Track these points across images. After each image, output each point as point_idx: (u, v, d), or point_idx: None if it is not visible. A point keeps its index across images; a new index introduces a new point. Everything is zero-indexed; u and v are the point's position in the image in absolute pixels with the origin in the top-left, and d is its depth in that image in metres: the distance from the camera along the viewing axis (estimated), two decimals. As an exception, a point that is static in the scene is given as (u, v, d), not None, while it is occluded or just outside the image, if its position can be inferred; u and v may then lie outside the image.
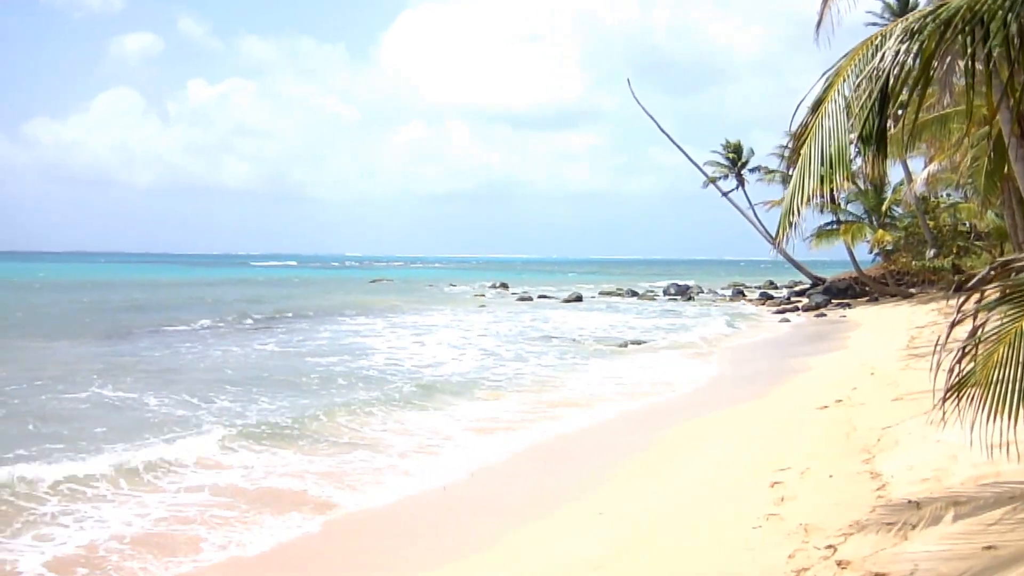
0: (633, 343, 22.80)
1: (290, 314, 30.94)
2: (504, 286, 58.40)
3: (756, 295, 46.81)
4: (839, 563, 4.94)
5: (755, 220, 43.40)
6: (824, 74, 5.57)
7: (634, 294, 49.02)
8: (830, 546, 5.26)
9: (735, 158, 44.05)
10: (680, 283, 50.35)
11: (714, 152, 44.74)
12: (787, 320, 31.24)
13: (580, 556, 6.34)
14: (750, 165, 43.99)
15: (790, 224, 5.44)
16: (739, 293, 48.68)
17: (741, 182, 44.09)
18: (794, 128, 5.72)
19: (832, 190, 5.29)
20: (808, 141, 5.45)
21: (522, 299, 45.76)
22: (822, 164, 5.16)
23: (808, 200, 5.21)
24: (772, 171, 42.01)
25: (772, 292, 47.60)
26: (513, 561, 6.54)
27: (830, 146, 5.23)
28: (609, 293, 50.35)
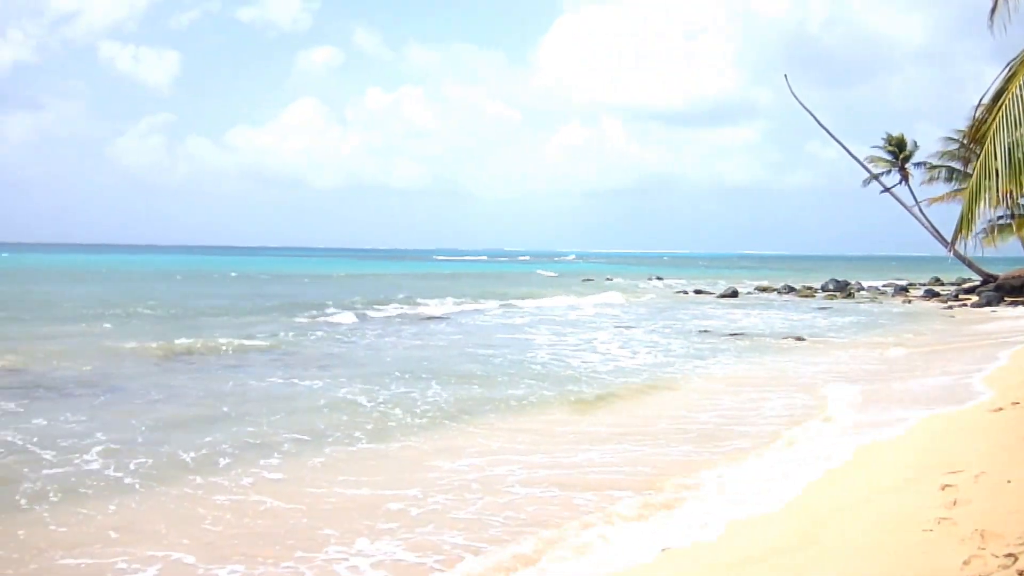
0: (800, 339, 21.88)
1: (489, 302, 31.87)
2: (660, 280, 57.59)
3: (920, 292, 43.73)
4: (1021, 573, 4.55)
5: (920, 216, 40.47)
6: (1009, 64, 5.10)
7: (791, 290, 46.92)
8: (1010, 555, 4.83)
9: (897, 152, 41.21)
10: (839, 279, 47.70)
11: (875, 147, 42.11)
12: (953, 317, 29.00)
13: (744, 550, 6.18)
14: (914, 159, 41.08)
15: (968, 229, 5.03)
16: (902, 290, 45.60)
17: (904, 177, 41.23)
18: (972, 121, 5.27)
19: (1012, 192, 4.83)
20: (988, 137, 5.00)
21: (678, 294, 44.97)
22: (1008, 164, 4.71)
23: (995, 203, 4.78)
24: (935, 166, 39.07)
25: (937, 289, 44.27)
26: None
27: (1014, 142, 4.77)
28: (765, 289, 48.47)
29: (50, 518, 6.98)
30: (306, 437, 10.07)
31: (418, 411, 11.79)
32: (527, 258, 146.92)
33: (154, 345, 17.55)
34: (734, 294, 42.47)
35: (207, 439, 9.81)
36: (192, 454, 9.11)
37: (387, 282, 51.45)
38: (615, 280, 58.35)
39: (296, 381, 14.25)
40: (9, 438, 9.66)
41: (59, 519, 6.95)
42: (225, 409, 11.69)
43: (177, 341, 18.39)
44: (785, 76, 41.69)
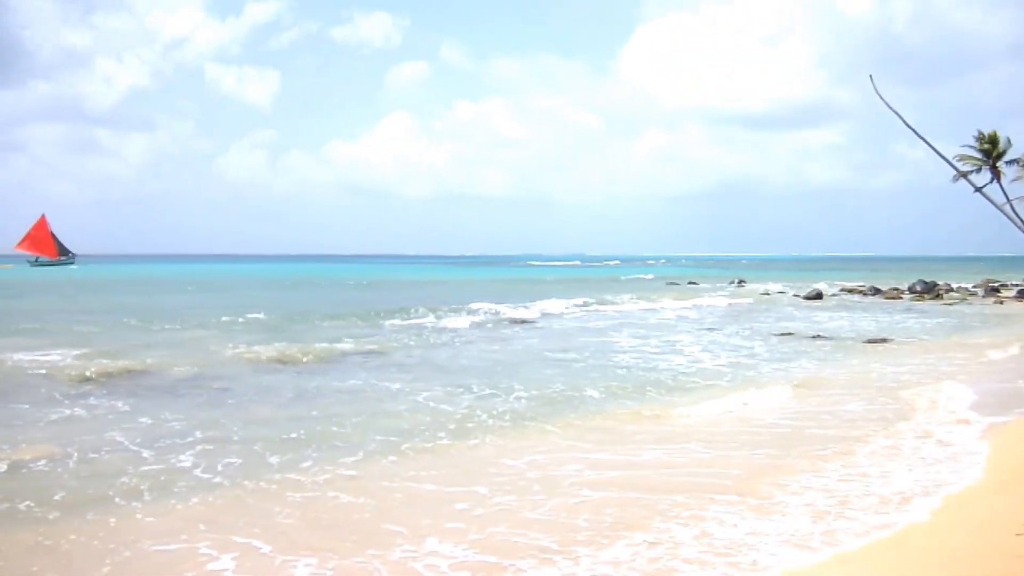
0: (885, 340, 21.14)
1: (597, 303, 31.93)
2: (743, 283, 56.38)
3: (1012, 292, 41.45)
4: None
5: (1012, 215, 38.32)
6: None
7: (876, 291, 45.11)
8: None
9: (990, 149, 39.09)
10: (926, 280, 45.60)
11: (964, 146, 39.99)
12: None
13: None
14: (1007, 156, 38.93)
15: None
16: (993, 290, 43.29)
17: (996, 175, 39.10)
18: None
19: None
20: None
21: (761, 296, 43.92)
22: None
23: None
24: (1032, 163, 36.90)
25: (1033, 289, 41.86)
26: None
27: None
28: (850, 290, 46.77)
29: (141, 510, 7.32)
30: (392, 438, 10.17)
31: (498, 412, 11.78)
32: (617, 263, 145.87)
33: (256, 349, 18.11)
34: (818, 296, 41.18)
35: (293, 437, 10.10)
36: (278, 454, 9.32)
37: (477, 287, 51.85)
38: (698, 284, 57.41)
39: (386, 384, 14.45)
40: (117, 437, 10.15)
41: (149, 511, 7.33)
42: (315, 413, 11.91)
43: (275, 345, 18.96)
44: (870, 76, 39.94)
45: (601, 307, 33.33)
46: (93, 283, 57.71)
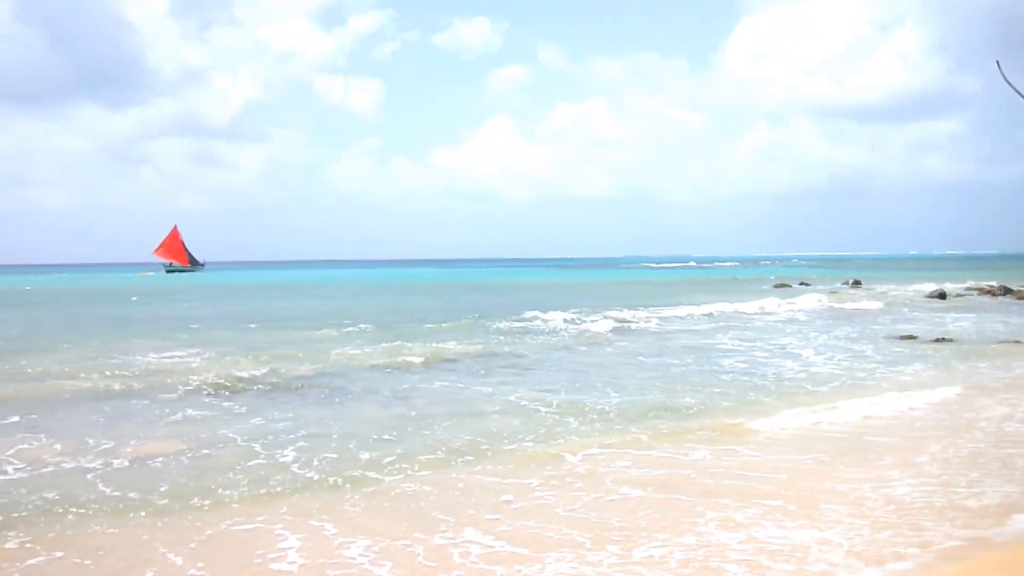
0: (1013, 343, 19.54)
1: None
2: (857, 283, 53.68)
3: None
4: None
5: None
6: None
7: (1007, 291, 41.96)
8: None
9: None
10: (1065, 278, 42.04)
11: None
12: None
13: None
14: None
15: None
16: None
17: None
18: None
19: None
20: None
21: (878, 296, 41.65)
22: None
23: None
24: None
25: None
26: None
27: None
28: (977, 290, 43.74)
29: (236, 499, 7.87)
30: (477, 438, 10.26)
31: (589, 417, 11.59)
32: (735, 264, 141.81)
33: (366, 351, 18.60)
34: (941, 296, 38.69)
35: (385, 437, 10.38)
36: (368, 451, 9.68)
37: (582, 290, 51.67)
38: (810, 284, 55.04)
39: (483, 386, 14.53)
40: (229, 434, 10.65)
41: (243, 499, 7.86)
42: (412, 413, 12.10)
43: (384, 347, 19.42)
44: (997, 62, 37.47)
45: (707, 310, 32.39)
46: (218, 288, 61.02)
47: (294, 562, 6.20)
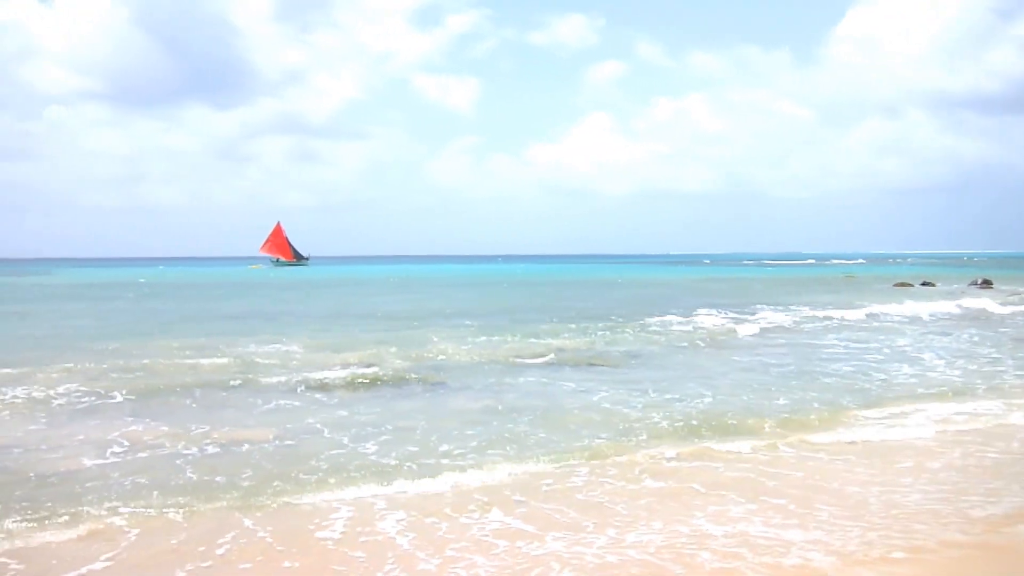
0: None
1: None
2: (987, 283, 50.32)
3: None
4: None
5: None
6: None
7: None
8: None
9: None
10: None
11: None
12: None
13: None
14: None
15: None
16: None
17: None
18: None
19: None
20: None
21: (1011, 297, 38.86)
22: None
23: None
24: None
25: None
26: None
27: None
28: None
29: (312, 484, 8.25)
30: (553, 435, 10.38)
31: (674, 418, 11.37)
32: (854, 261, 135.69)
33: (464, 347, 18.70)
34: (1083, 298, 35.79)
35: (468, 432, 10.55)
36: (447, 443, 9.92)
37: (686, 288, 50.53)
38: (934, 284, 51.84)
39: (573, 383, 14.50)
40: (317, 425, 11.06)
41: (319, 483, 8.25)
42: (499, 408, 12.19)
43: (482, 341, 19.69)
44: None
45: (820, 310, 30.95)
46: (322, 282, 63.27)
47: (336, 530, 6.90)
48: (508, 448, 9.70)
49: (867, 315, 29.03)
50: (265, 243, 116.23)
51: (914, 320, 27.30)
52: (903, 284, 52.45)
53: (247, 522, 7.09)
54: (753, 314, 28.76)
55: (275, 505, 7.57)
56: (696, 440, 10.04)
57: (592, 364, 16.94)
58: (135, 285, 57.98)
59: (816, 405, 12.30)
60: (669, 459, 9.16)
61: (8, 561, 6.25)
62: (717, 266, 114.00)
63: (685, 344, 20.50)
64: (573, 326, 23.98)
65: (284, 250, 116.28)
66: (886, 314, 29.62)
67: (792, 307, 31.92)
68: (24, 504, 7.48)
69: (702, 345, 20.39)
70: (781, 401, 12.70)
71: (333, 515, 7.27)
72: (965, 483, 8.13)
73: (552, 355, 18.01)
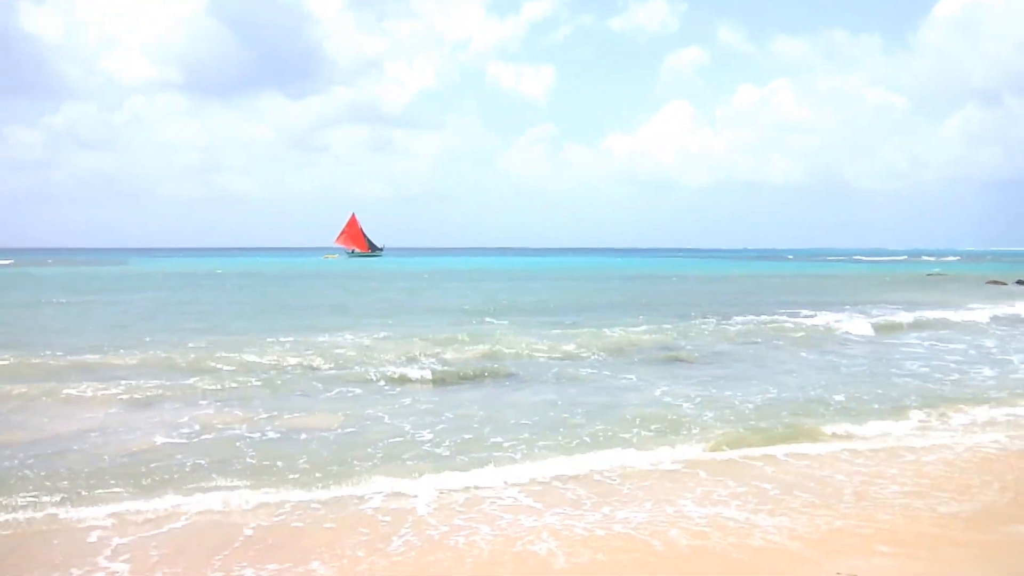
0: None
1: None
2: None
3: None
4: None
5: None
6: None
7: None
8: None
9: None
10: None
11: None
12: None
13: None
14: None
15: None
16: None
17: None
18: None
19: None
20: None
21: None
22: None
23: None
24: None
25: None
26: None
27: None
28: None
29: (365, 467, 8.72)
30: (603, 426, 10.61)
31: (725, 414, 11.40)
32: (949, 259, 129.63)
33: (532, 341, 18.63)
34: None
35: (523, 422, 10.84)
36: (500, 434, 10.23)
37: (770, 284, 49.39)
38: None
39: (635, 377, 14.63)
40: (378, 413, 11.54)
41: (372, 468, 8.68)
42: (559, 402, 12.39)
43: (555, 333, 19.90)
44: None
45: (907, 308, 29.69)
46: (396, 274, 64.44)
47: (371, 502, 7.62)
48: (560, 439, 9.95)
49: (955, 314, 27.84)
50: (340, 234, 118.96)
51: (1004, 319, 26.08)
52: (996, 282, 50.05)
53: (300, 499, 7.66)
54: (836, 312, 27.79)
55: (327, 487, 8.05)
56: (737, 440, 10.01)
57: (660, 360, 16.90)
58: (211, 275, 60.20)
59: (876, 405, 12.08)
60: (703, 459, 9.24)
61: (79, 532, 6.81)
62: (801, 261, 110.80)
63: (759, 341, 20.19)
64: (646, 321, 23.73)
65: (359, 241, 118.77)
66: (975, 312, 28.31)
67: (875, 305, 30.88)
68: (92, 482, 8.13)
69: (780, 343, 19.93)
70: (839, 397, 12.60)
71: (368, 490, 7.93)
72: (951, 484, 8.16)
73: (620, 350, 17.98)
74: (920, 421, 11.17)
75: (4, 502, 7.40)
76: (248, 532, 6.84)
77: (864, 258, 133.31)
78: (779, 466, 8.91)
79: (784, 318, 25.30)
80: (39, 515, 7.14)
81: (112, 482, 8.10)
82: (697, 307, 29.13)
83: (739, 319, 24.87)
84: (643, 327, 22.00)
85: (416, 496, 7.76)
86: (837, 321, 24.79)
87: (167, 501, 7.48)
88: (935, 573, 6.06)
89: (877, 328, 23.28)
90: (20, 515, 7.13)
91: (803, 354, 17.97)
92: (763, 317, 25.52)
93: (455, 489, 7.97)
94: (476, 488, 8.00)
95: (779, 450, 9.54)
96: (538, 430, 10.45)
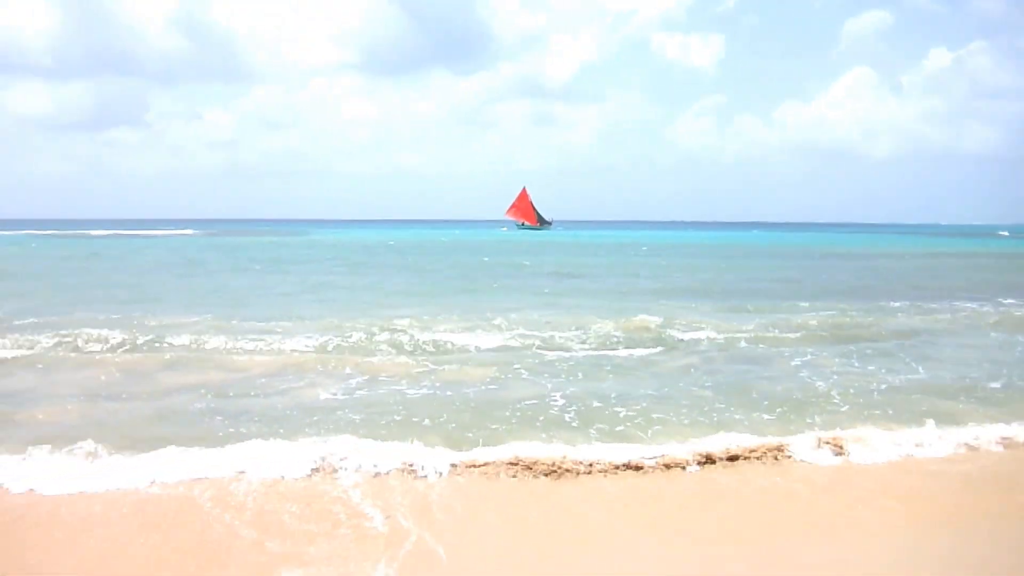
0: None
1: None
2: None
3: None
4: None
5: None
6: None
7: None
8: None
9: None
10: None
11: None
12: None
13: None
14: None
15: None
16: None
17: None
18: None
19: None
20: None
21: None
22: None
23: None
24: None
25: None
26: None
27: None
28: None
29: (500, 427, 9.67)
30: (729, 410, 10.59)
31: (858, 400, 11.11)
32: None
33: (699, 320, 18.29)
34: None
35: (643, 406, 10.66)
36: (624, 408, 10.54)
37: (970, 263, 45.10)
38: None
39: (804, 362, 14.04)
40: (527, 375, 12.45)
41: (499, 428, 9.62)
42: (708, 382, 12.27)
43: (722, 314, 19.34)
44: None
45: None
46: (567, 245, 64.99)
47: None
48: (682, 418, 10.09)
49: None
50: (511, 207, 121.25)
51: None
52: None
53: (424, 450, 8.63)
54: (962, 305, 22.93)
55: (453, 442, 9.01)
56: (859, 423, 9.81)
57: (830, 341, 16.06)
58: (386, 247, 63.16)
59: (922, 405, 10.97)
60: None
61: (237, 474, 7.82)
62: (1021, 239, 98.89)
63: (942, 325, 18.50)
64: (823, 304, 22.16)
65: (529, 214, 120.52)
66: None
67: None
68: (252, 428, 9.52)
69: (970, 330, 18.06)
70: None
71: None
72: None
73: (793, 333, 16.92)
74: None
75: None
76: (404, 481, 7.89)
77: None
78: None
79: (985, 306, 22.08)
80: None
81: (281, 429, 9.40)
82: (886, 288, 27.20)
83: (939, 307, 21.81)
84: (821, 309, 20.70)
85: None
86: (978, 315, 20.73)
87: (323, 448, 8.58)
88: None
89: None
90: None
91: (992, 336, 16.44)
92: (959, 304, 22.50)
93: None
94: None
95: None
96: (666, 410, 10.43)
